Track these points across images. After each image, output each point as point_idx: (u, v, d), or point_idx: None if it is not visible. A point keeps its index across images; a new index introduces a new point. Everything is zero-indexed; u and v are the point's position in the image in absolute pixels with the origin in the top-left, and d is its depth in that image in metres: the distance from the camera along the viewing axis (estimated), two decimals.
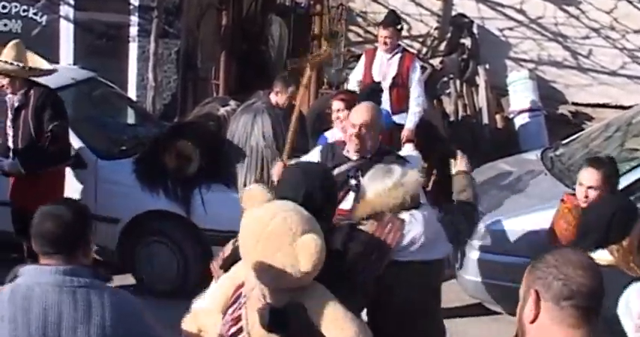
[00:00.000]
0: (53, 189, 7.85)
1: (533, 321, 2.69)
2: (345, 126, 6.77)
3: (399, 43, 10.30)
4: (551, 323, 2.66)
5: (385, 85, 9.90)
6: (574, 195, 6.59)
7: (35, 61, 8.01)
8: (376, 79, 10.01)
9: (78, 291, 3.51)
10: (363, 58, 10.36)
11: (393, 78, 9.92)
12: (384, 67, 10.03)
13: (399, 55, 10.08)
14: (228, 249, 4.63)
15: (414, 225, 4.88)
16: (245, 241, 4.01)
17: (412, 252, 4.88)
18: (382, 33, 10.05)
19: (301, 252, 3.87)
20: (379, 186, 4.93)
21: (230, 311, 4.19)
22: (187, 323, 4.45)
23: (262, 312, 3.91)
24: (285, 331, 3.95)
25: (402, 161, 5.94)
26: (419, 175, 5.11)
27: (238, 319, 4.12)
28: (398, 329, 4.89)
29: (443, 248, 5.20)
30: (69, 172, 8.28)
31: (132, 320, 3.59)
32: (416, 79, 10.05)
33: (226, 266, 4.52)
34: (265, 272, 3.92)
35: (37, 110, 7.78)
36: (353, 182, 5.91)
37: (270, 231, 3.91)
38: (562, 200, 6.77)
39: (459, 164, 5.77)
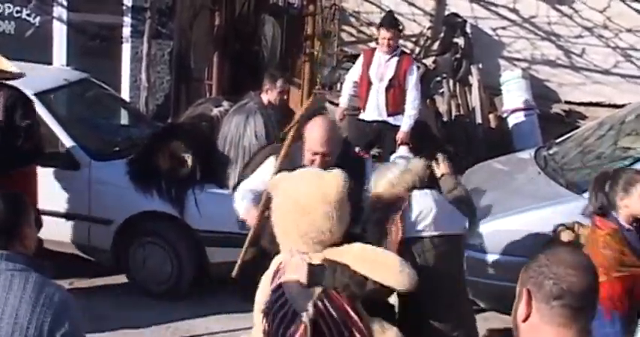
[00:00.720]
0: (24, 188, 7.78)
1: (525, 320, 2.70)
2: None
3: (398, 45, 10.33)
4: (541, 322, 2.66)
5: (382, 86, 9.94)
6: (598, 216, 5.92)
7: (2, 63, 7.97)
8: (373, 80, 10.04)
9: (2, 275, 3.54)
10: (360, 59, 10.37)
11: (390, 79, 9.95)
12: (382, 68, 10.05)
13: (397, 56, 10.11)
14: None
15: (424, 198, 5.15)
16: (279, 211, 4.62)
17: (428, 225, 5.12)
18: (385, 34, 10.06)
19: (328, 184, 4.54)
20: (390, 175, 5.20)
21: (272, 287, 4.69)
22: None
23: (302, 269, 4.48)
24: (323, 283, 4.49)
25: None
26: (423, 161, 5.35)
27: (279, 287, 4.62)
28: (427, 304, 5.04)
29: (459, 222, 5.41)
30: (62, 174, 8.28)
31: (52, 311, 3.52)
32: (413, 81, 10.09)
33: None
34: (308, 226, 4.50)
35: (8, 110, 7.73)
36: None
37: (295, 187, 4.59)
38: (595, 225, 5.95)
39: (441, 167, 5.79)
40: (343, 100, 10.43)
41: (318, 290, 4.54)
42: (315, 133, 5.55)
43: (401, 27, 10.53)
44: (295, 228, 4.57)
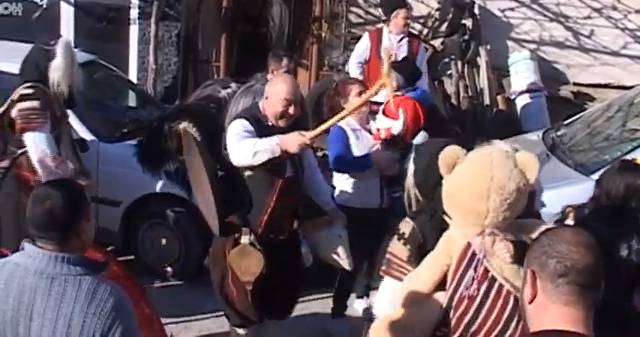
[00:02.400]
0: None
1: (531, 301, 2.70)
2: (361, 110, 6.84)
3: None
4: (548, 301, 2.66)
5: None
6: None
7: None
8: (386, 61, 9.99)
9: (56, 280, 3.48)
10: (366, 40, 10.28)
11: (403, 59, 9.90)
12: (394, 49, 10.00)
13: (407, 37, 10.09)
14: (400, 249, 4.99)
15: None
16: (474, 191, 4.47)
17: None
18: (405, 14, 10.04)
19: (525, 165, 4.51)
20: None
21: (469, 272, 4.59)
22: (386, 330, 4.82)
23: (508, 245, 4.46)
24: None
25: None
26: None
27: (486, 271, 4.56)
28: None
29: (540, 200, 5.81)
30: None
31: (104, 319, 3.46)
32: (423, 62, 10.07)
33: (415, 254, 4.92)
34: (507, 202, 4.43)
35: None
36: None
37: (495, 163, 4.46)
38: None
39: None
40: None
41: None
42: (282, 85, 6.04)
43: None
44: (486, 204, 4.47)
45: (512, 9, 12.90)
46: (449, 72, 12.66)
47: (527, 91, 12.14)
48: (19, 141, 6.94)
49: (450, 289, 4.67)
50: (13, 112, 6.84)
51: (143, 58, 12.00)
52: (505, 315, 4.54)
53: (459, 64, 12.54)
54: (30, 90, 6.86)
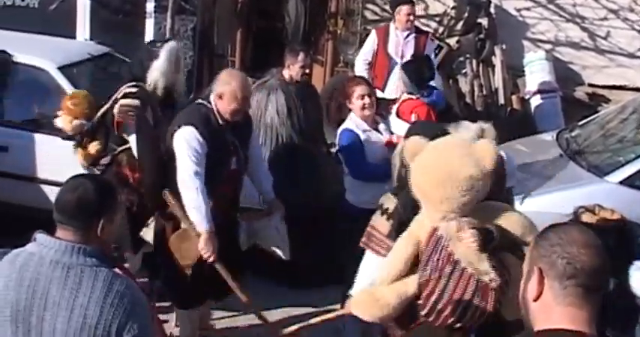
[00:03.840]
0: None
1: (536, 299, 2.70)
2: (363, 113, 6.86)
3: None
4: (554, 301, 2.66)
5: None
6: None
7: None
8: (393, 57, 9.97)
9: (72, 270, 3.48)
10: (373, 37, 10.26)
11: (412, 56, 9.87)
12: (401, 46, 9.99)
13: (414, 33, 10.05)
14: (382, 224, 5.19)
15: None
16: (430, 179, 4.69)
17: None
18: (409, 10, 9.99)
19: (481, 152, 4.69)
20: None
21: (435, 255, 4.82)
22: (364, 303, 5.05)
23: (475, 237, 4.62)
24: (489, 247, 4.70)
25: None
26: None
27: (450, 254, 4.77)
28: None
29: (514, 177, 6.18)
30: None
31: (121, 311, 3.46)
32: (432, 57, 10.04)
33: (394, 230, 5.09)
34: (463, 189, 4.63)
35: None
36: None
37: (448, 153, 4.71)
38: None
39: None
40: None
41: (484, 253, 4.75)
42: (236, 83, 6.18)
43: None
44: (442, 192, 4.68)
45: (528, 9, 12.88)
46: (464, 70, 12.65)
47: (541, 92, 12.11)
48: (119, 138, 7.08)
49: (420, 269, 4.89)
50: (115, 109, 6.92)
51: None
52: (467, 296, 4.80)
53: (474, 62, 12.52)
54: (134, 89, 6.95)
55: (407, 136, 5.39)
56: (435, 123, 5.49)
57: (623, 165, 7.92)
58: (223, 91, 6.16)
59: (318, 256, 7.62)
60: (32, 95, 8.88)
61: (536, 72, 12.27)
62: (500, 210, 4.96)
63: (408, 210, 5.09)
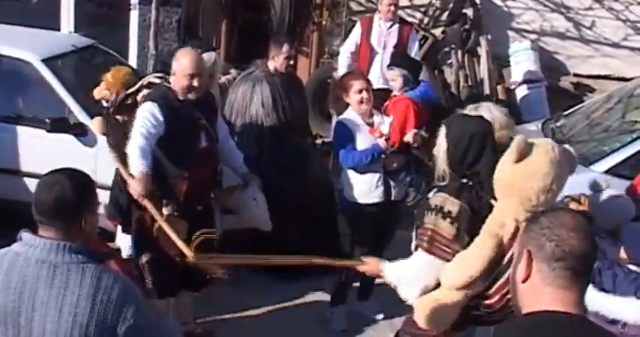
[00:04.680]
0: None
1: (524, 281, 2.73)
2: (361, 107, 6.89)
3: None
4: (542, 283, 2.69)
5: (387, 54, 9.84)
6: None
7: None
8: (376, 48, 9.97)
9: (59, 269, 3.45)
10: (358, 28, 10.28)
11: (394, 46, 9.86)
12: (384, 36, 9.99)
13: (397, 24, 10.05)
14: (446, 227, 5.03)
15: None
16: (540, 184, 4.78)
17: None
18: (389, 1, 9.97)
19: (571, 159, 5.09)
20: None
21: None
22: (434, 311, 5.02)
23: None
24: None
25: None
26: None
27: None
28: None
29: None
30: (69, 140, 8.27)
31: (112, 306, 3.43)
32: (415, 48, 10.04)
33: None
34: (558, 195, 4.92)
35: None
36: None
37: (558, 161, 4.86)
38: None
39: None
40: (342, 71, 9.91)
41: None
42: (184, 60, 6.28)
43: None
44: (547, 196, 4.83)
45: None
46: (449, 61, 12.65)
47: (527, 82, 12.13)
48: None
49: (502, 269, 4.87)
50: (139, 96, 6.96)
51: (143, 43, 11.99)
52: None
53: (460, 53, 12.53)
54: (157, 80, 6.96)
55: (448, 132, 5.29)
56: (474, 117, 5.41)
57: (608, 155, 7.94)
58: (175, 69, 6.30)
59: (305, 243, 7.60)
60: (16, 88, 8.85)
61: (522, 62, 12.28)
62: None
63: (476, 208, 5.08)
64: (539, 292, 2.68)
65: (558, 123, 9.15)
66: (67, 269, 3.45)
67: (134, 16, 12.21)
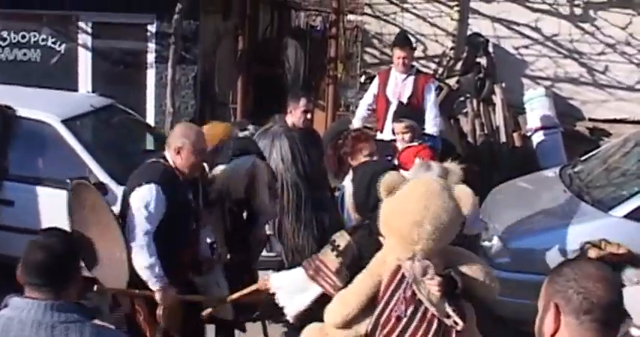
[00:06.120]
0: None
1: (553, 335, 2.70)
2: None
3: (413, 63, 10.28)
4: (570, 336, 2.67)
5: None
6: None
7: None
8: (391, 99, 10.01)
9: (57, 329, 3.39)
10: (376, 80, 10.32)
11: (409, 98, 9.89)
12: (399, 88, 10.03)
13: (413, 75, 10.08)
14: (331, 260, 5.13)
15: None
16: (410, 218, 4.70)
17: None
18: (399, 53, 9.99)
19: (462, 197, 4.79)
20: (427, 176, 5.29)
21: (397, 294, 4.84)
22: None
23: (441, 282, 4.71)
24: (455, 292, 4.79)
25: None
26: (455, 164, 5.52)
27: (413, 294, 4.81)
28: None
29: (479, 225, 6.16)
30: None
31: None
32: (432, 99, 10.02)
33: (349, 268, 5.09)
34: (440, 231, 4.68)
35: None
36: None
37: (432, 194, 4.73)
38: None
39: None
40: (356, 123, 10.03)
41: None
42: (194, 137, 6.04)
43: (415, 45, 10.46)
44: (419, 232, 4.73)
45: (526, 46, 12.98)
46: (465, 110, 12.69)
47: (543, 128, 12.15)
48: None
49: (379, 308, 4.90)
50: None
51: (160, 101, 12.09)
52: (429, 336, 4.82)
53: (475, 102, 12.58)
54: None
55: (355, 174, 5.56)
56: (379, 161, 5.55)
57: (627, 199, 7.92)
58: (181, 146, 6.00)
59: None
60: (37, 149, 8.93)
61: (537, 108, 12.31)
62: (462, 256, 5.05)
63: (364, 248, 5.12)
64: None
65: (576, 169, 9.15)
66: (66, 328, 3.40)
67: (151, 74, 12.34)
